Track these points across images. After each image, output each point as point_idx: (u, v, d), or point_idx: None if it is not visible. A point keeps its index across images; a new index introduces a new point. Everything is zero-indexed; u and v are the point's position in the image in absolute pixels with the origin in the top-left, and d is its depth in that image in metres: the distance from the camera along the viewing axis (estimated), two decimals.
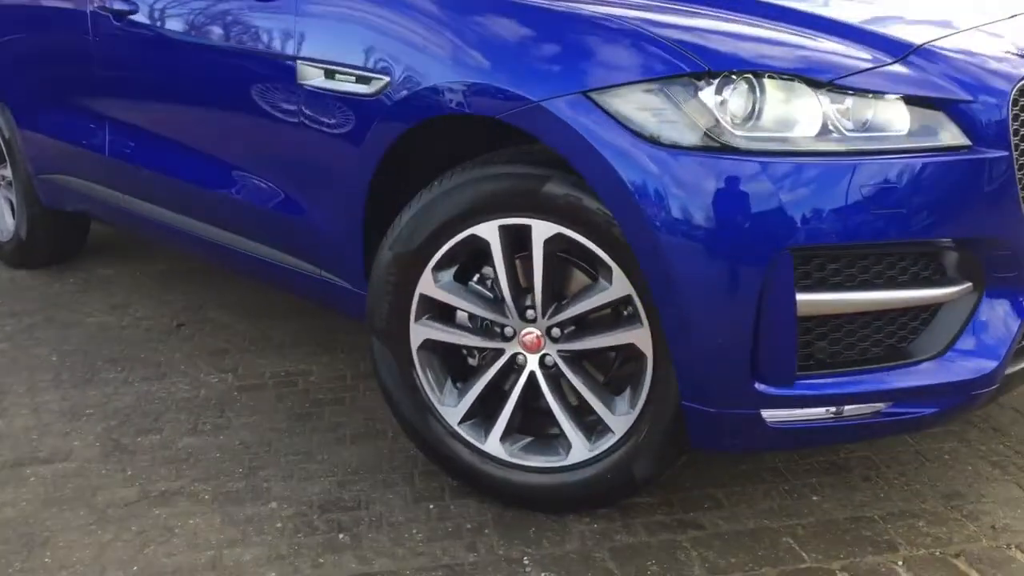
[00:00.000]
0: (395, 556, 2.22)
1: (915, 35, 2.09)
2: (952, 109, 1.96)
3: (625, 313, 2.19)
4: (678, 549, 2.22)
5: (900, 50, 2.02)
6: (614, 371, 2.31)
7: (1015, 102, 2.00)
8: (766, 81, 1.93)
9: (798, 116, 1.92)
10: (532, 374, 2.28)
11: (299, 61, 2.53)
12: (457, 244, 2.23)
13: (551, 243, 2.15)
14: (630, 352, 2.21)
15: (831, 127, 1.92)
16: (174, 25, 3.01)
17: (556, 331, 2.23)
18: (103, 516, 2.39)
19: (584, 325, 2.24)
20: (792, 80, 1.93)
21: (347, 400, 2.95)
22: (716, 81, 1.92)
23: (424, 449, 2.43)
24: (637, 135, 1.94)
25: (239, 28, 2.76)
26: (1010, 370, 2.08)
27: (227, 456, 2.65)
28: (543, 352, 2.26)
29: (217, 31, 2.84)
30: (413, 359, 2.36)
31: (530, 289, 2.23)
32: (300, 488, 2.48)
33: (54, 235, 4.11)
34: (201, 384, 3.09)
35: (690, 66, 1.94)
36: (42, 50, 3.65)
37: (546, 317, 2.23)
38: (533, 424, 2.36)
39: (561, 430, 2.28)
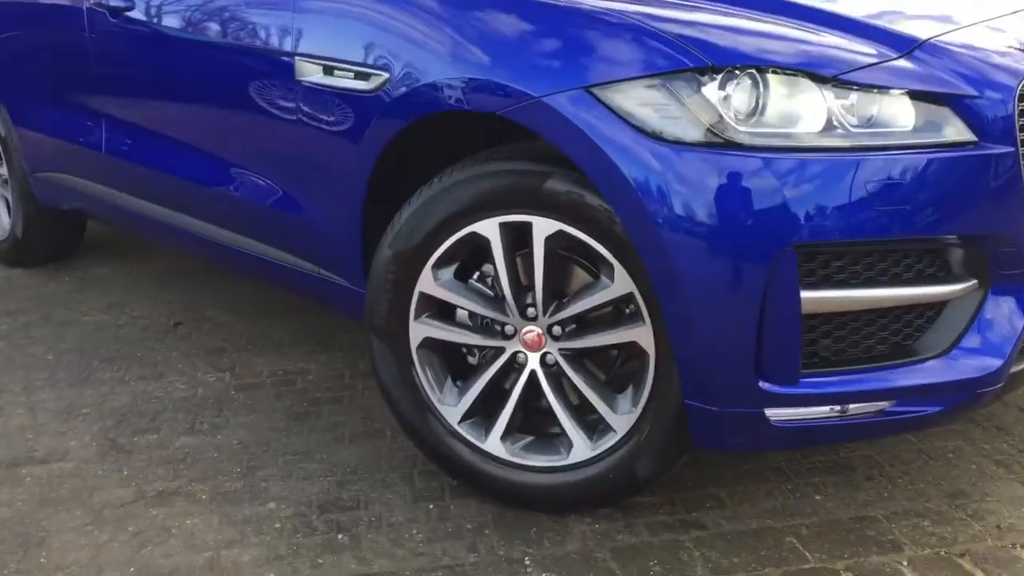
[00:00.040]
0: (395, 557, 2.20)
1: (920, 30, 2.07)
2: (957, 104, 1.94)
3: (627, 311, 2.17)
4: (681, 549, 2.20)
5: (905, 45, 2.00)
6: (616, 369, 2.29)
7: (1021, 97, 1.98)
8: (770, 76, 1.91)
9: (802, 111, 1.90)
10: (533, 373, 2.26)
11: (297, 57, 2.51)
12: (457, 241, 2.21)
13: (552, 240, 2.13)
14: (632, 350, 2.19)
15: (835, 123, 1.90)
16: (171, 21, 2.98)
17: (557, 329, 2.21)
18: (99, 516, 2.37)
19: (585, 323, 2.22)
20: (796, 75, 1.91)
21: (346, 399, 2.93)
22: (719, 76, 1.90)
23: (424, 448, 2.41)
24: (639, 131, 1.92)
25: (237, 24, 2.74)
26: (1015, 368, 2.07)
27: (225, 456, 2.63)
28: (544, 350, 2.24)
29: (214, 27, 2.82)
30: (412, 357, 2.34)
31: (531, 287, 2.21)
32: (299, 488, 2.46)
33: (50, 233, 4.09)
34: (198, 383, 3.06)
35: (693, 61, 1.92)
36: (38, 47, 3.63)
37: (547, 315, 2.21)
38: (534, 423, 2.34)
39: (562, 429, 2.26)
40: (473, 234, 2.19)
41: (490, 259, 2.21)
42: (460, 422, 2.33)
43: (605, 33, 2.04)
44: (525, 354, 2.26)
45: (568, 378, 2.24)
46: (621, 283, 2.09)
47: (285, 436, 2.72)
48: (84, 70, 3.36)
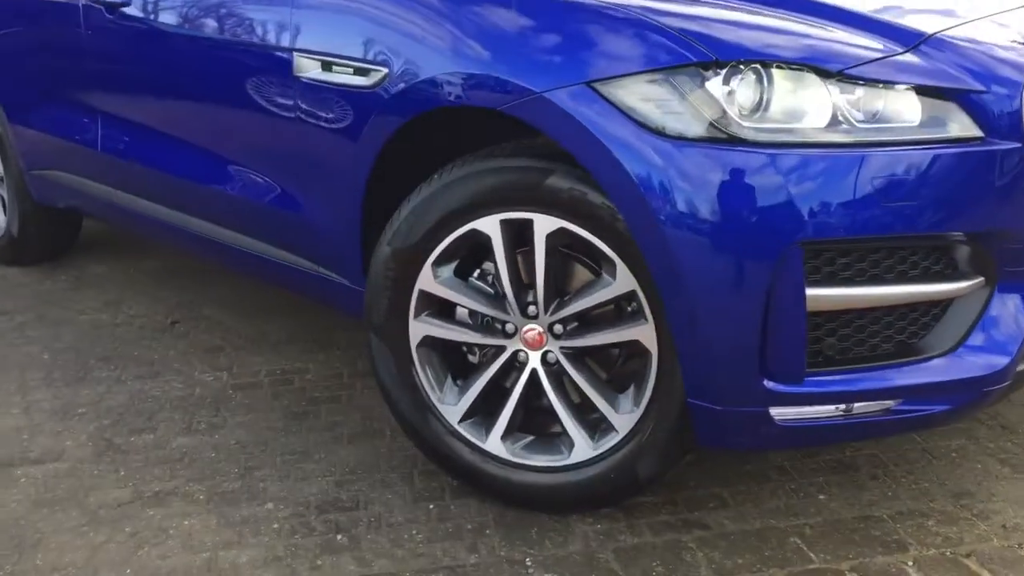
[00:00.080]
0: (394, 557, 2.18)
1: (926, 24, 2.05)
2: (964, 100, 1.92)
3: (629, 309, 2.15)
4: (683, 550, 2.18)
5: (911, 39, 1.98)
6: (617, 368, 2.27)
7: None
8: (774, 71, 1.89)
9: (807, 107, 1.88)
10: (534, 371, 2.24)
11: (296, 53, 2.48)
12: (457, 239, 2.19)
13: (554, 238, 2.11)
14: (634, 349, 2.17)
15: (841, 118, 1.88)
16: (168, 18, 2.96)
17: (558, 327, 2.19)
18: (96, 517, 2.35)
19: (587, 321, 2.19)
20: (801, 70, 1.89)
21: (344, 398, 2.91)
22: (723, 71, 1.88)
23: (423, 448, 2.39)
24: (643, 127, 1.90)
25: (234, 20, 2.71)
26: (1022, 366, 2.05)
27: (222, 456, 2.61)
28: (545, 349, 2.22)
29: (212, 23, 2.79)
30: (412, 356, 2.32)
31: (532, 285, 2.18)
32: (297, 488, 2.44)
33: (46, 232, 4.05)
34: (196, 382, 3.04)
35: (697, 56, 1.89)
36: (33, 43, 3.60)
37: (548, 313, 2.18)
38: (535, 423, 2.32)
39: (563, 428, 2.24)
40: (474, 231, 2.17)
41: (491, 256, 2.19)
42: (460, 421, 2.31)
43: (607, 28, 2.02)
44: (526, 353, 2.23)
45: (569, 377, 2.22)
46: (623, 281, 2.07)
47: (283, 436, 2.70)
48: (80, 66, 3.33)
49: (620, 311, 2.18)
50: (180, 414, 2.84)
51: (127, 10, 3.05)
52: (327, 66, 2.41)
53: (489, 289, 2.27)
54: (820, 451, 2.52)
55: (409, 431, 2.38)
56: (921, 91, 1.91)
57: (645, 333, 2.09)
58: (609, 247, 2.05)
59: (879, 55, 1.94)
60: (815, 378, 1.95)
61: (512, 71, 2.07)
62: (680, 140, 1.88)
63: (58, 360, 3.22)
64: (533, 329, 2.21)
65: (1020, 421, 2.65)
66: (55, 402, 2.93)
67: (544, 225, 2.10)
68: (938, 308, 2.01)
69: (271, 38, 2.56)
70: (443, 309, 2.30)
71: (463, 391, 2.31)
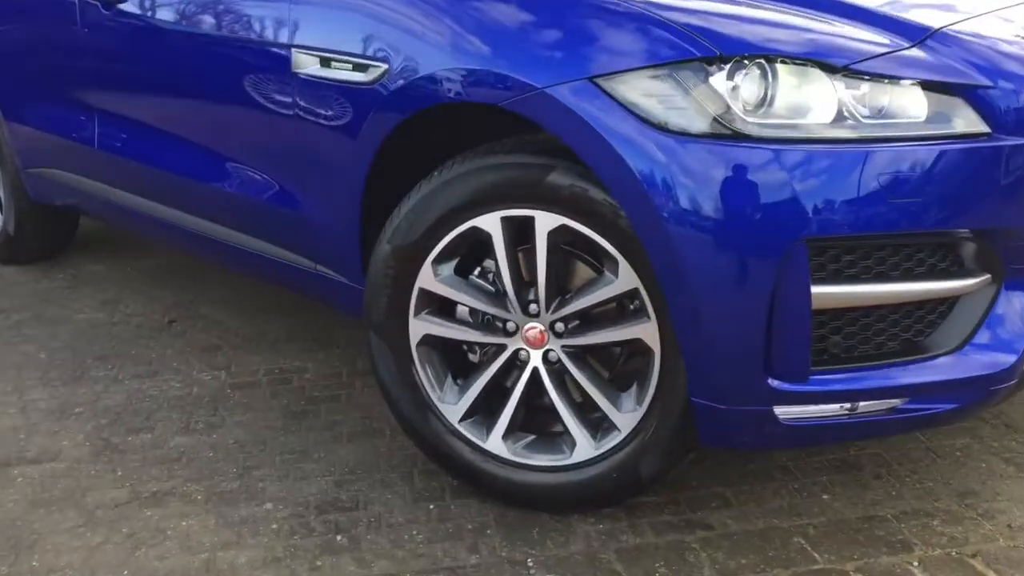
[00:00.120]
0: (395, 558, 2.15)
1: (931, 19, 2.03)
2: (970, 95, 1.90)
3: (631, 307, 2.13)
4: (686, 550, 2.16)
5: (917, 34, 1.96)
6: (619, 367, 2.25)
7: None
8: (779, 66, 1.86)
9: (812, 102, 1.86)
10: (535, 370, 2.22)
11: (294, 49, 2.46)
12: (458, 236, 2.17)
13: (555, 235, 2.09)
14: (636, 347, 2.15)
15: (846, 113, 1.85)
16: (165, 14, 2.93)
17: (560, 326, 2.17)
18: (92, 518, 2.32)
19: (589, 320, 2.18)
20: (806, 65, 1.87)
21: (343, 397, 2.89)
22: (727, 66, 1.86)
23: (424, 448, 2.37)
24: (646, 122, 1.88)
25: (232, 16, 2.69)
26: None
27: (221, 455, 2.58)
28: (547, 347, 2.20)
29: (209, 19, 2.77)
30: (412, 355, 2.30)
31: (533, 283, 2.16)
32: (296, 488, 2.42)
33: (42, 230, 4.03)
34: (193, 382, 3.02)
35: (700, 50, 1.87)
36: (29, 40, 3.57)
37: (550, 311, 2.16)
38: (536, 422, 2.29)
39: (565, 428, 2.22)
40: (474, 229, 2.15)
41: (491, 254, 2.17)
42: (461, 421, 2.29)
43: (609, 22, 1.99)
44: (527, 351, 2.22)
45: (571, 375, 2.20)
46: (626, 278, 2.05)
47: (282, 435, 2.68)
48: (76, 64, 3.31)
49: (622, 309, 2.16)
50: (178, 413, 2.82)
51: (123, 6, 3.02)
52: (326, 62, 2.39)
53: (490, 287, 2.25)
54: (823, 450, 2.50)
55: (409, 430, 2.36)
56: (927, 86, 1.89)
57: (648, 331, 2.07)
58: (611, 244, 2.03)
59: (885, 50, 1.91)
60: (820, 376, 1.93)
61: (513, 67, 2.05)
62: (683, 136, 1.86)
63: (55, 359, 3.20)
64: (534, 327, 2.19)
65: None
66: (52, 401, 2.91)
67: (545, 222, 2.08)
68: (944, 306, 1.99)
69: (269, 34, 2.54)
70: (443, 307, 2.28)
71: (464, 390, 2.29)
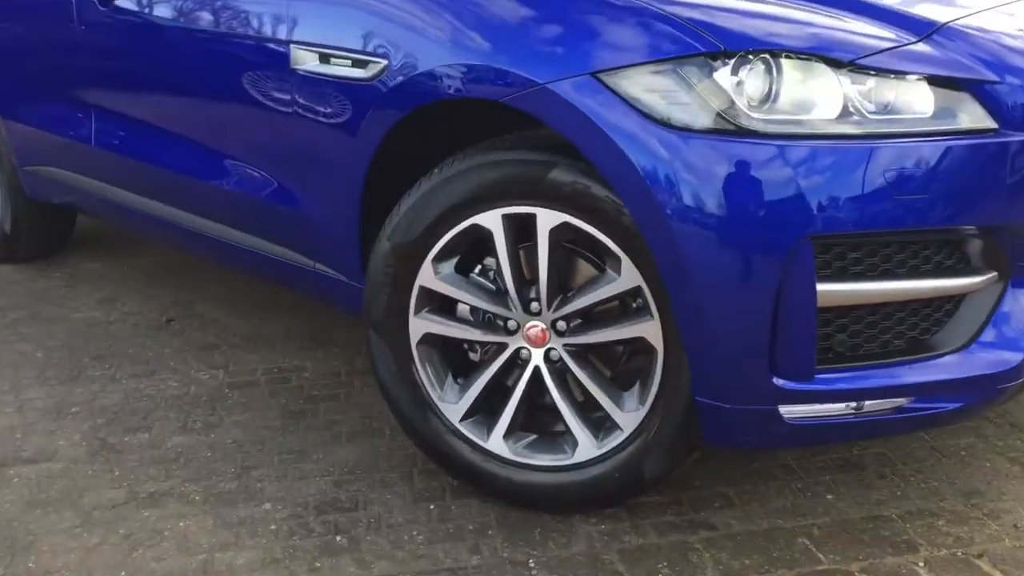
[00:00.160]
0: (395, 559, 2.13)
1: (937, 13, 2.01)
2: (977, 90, 1.88)
3: (634, 305, 2.11)
4: (690, 551, 2.14)
5: (923, 29, 1.94)
6: (622, 366, 2.23)
7: None
8: (784, 61, 1.84)
9: (817, 98, 1.84)
10: (537, 369, 2.20)
11: (292, 45, 2.43)
12: (458, 234, 2.15)
13: (557, 232, 2.07)
14: (638, 346, 2.13)
15: (852, 109, 1.83)
16: (162, 10, 2.90)
17: (562, 324, 2.15)
18: (89, 519, 2.30)
19: (591, 318, 2.15)
20: (811, 60, 1.85)
21: (342, 397, 2.86)
22: (732, 61, 1.84)
23: (424, 447, 2.34)
24: (649, 118, 1.86)
25: (230, 12, 2.66)
26: None
27: (218, 455, 2.56)
28: (548, 346, 2.18)
29: (207, 16, 2.74)
30: (412, 354, 2.28)
31: (535, 281, 2.14)
32: (295, 488, 2.40)
33: (39, 229, 4.00)
34: (191, 381, 2.99)
35: (705, 45, 1.85)
36: (25, 37, 3.54)
37: (551, 310, 2.14)
38: (537, 421, 2.27)
39: (567, 427, 2.20)
40: (475, 226, 2.12)
41: (492, 252, 2.14)
42: (461, 420, 2.27)
43: (612, 17, 1.97)
44: (528, 350, 2.19)
45: (573, 374, 2.17)
46: (628, 276, 2.03)
47: (280, 435, 2.65)
48: (73, 61, 3.28)
49: (625, 307, 2.14)
50: (175, 413, 2.79)
51: (120, 3, 2.99)
52: (324, 58, 2.36)
53: (491, 285, 2.23)
54: (826, 449, 2.48)
55: (409, 430, 2.34)
56: (934, 81, 1.86)
57: (650, 329, 2.05)
58: (614, 242, 2.01)
59: (891, 45, 1.89)
60: (825, 375, 1.91)
61: (514, 62, 2.02)
62: (687, 132, 1.84)
63: (51, 358, 3.17)
64: (536, 326, 2.16)
65: None
66: (48, 401, 2.88)
67: (547, 220, 2.06)
68: (950, 304, 1.97)
69: (267, 30, 2.51)
70: (444, 306, 2.26)
71: (464, 389, 2.27)
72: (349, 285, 2.50)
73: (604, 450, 2.17)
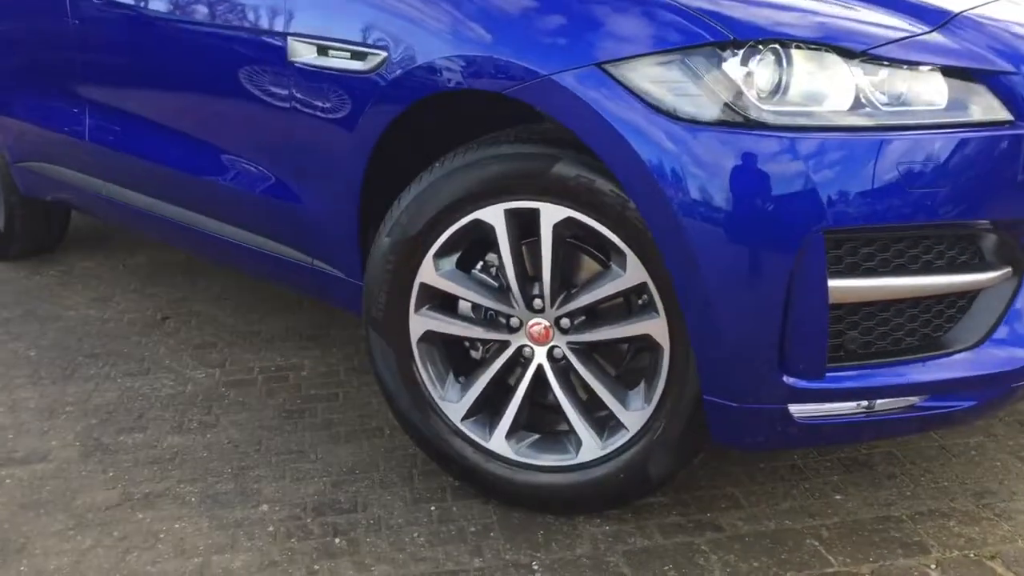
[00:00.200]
0: (395, 562, 2.09)
1: (952, 3, 1.97)
2: (992, 81, 1.84)
3: (639, 302, 2.07)
4: (696, 552, 2.09)
5: (937, 18, 1.90)
6: (627, 364, 2.18)
7: None
8: (794, 51, 1.80)
9: (829, 89, 1.79)
10: (540, 367, 2.16)
11: (290, 37, 2.39)
12: (460, 229, 2.11)
13: (560, 228, 2.02)
14: (644, 343, 2.09)
15: (864, 100, 1.79)
16: (157, 4, 2.86)
17: (565, 321, 2.10)
18: (83, 521, 2.25)
19: (595, 315, 2.11)
20: (822, 50, 1.80)
21: (341, 396, 2.82)
22: (741, 51, 1.79)
23: (424, 447, 2.30)
24: (656, 110, 1.81)
25: (226, 5, 2.61)
26: None
27: (215, 455, 2.52)
28: (551, 344, 2.14)
29: (203, 8, 2.70)
30: (412, 352, 2.23)
31: (538, 277, 2.10)
32: (293, 489, 2.35)
33: (33, 226, 3.96)
34: (187, 380, 2.95)
35: (713, 35, 1.80)
36: (18, 32, 3.50)
37: (555, 307, 2.10)
38: (540, 420, 2.24)
39: (571, 427, 2.16)
40: (477, 221, 2.08)
41: (495, 248, 2.10)
42: (463, 419, 2.23)
43: (616, 6, 1.92)
44: (531, 348, 2.15)
45: (577, 373, 2.14)
46: (633, 272, 1.99)
47: (278, 435, 2.61)
48: (67, 55, 3.24)
49: (630, 304, 2.10)
50: (171, 412, 2.75)
51: None
52: (323, 50, 2.32)
53: (493, 282, 2.19)
54: (834, 449, 2.44)
55: (409, 429, 2.30)
56: (948, 72, 1.82)
57: (656, 327, 2.01)
58: (619, 237, 1.97)
59: (904, 35, 1.85)
60: (836, 373, 1.86)
61: (516, 53, 1.98)
62: (695, 124, 1.79)
63: (44, 357, 3.13)
64: (539, 323, 2.12)
65: None
66: (41, 400, 2.84)
67: (551, 215, 2.01)
68: (964, 300, 1.93)
69: (264, 22, 2.47)
70: (445, 303, 2.22)
71: (466, 388, 2.23)
72: (348, 282, 2.46)
73: (609, 450, 2.13)
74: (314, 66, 2.33)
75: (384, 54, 2.18)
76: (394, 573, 2.06)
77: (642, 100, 1.82)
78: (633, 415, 2.09)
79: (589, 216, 1.98)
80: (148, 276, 3.83)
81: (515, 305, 2.13)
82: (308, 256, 2.58)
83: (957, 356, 1.91)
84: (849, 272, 1.82)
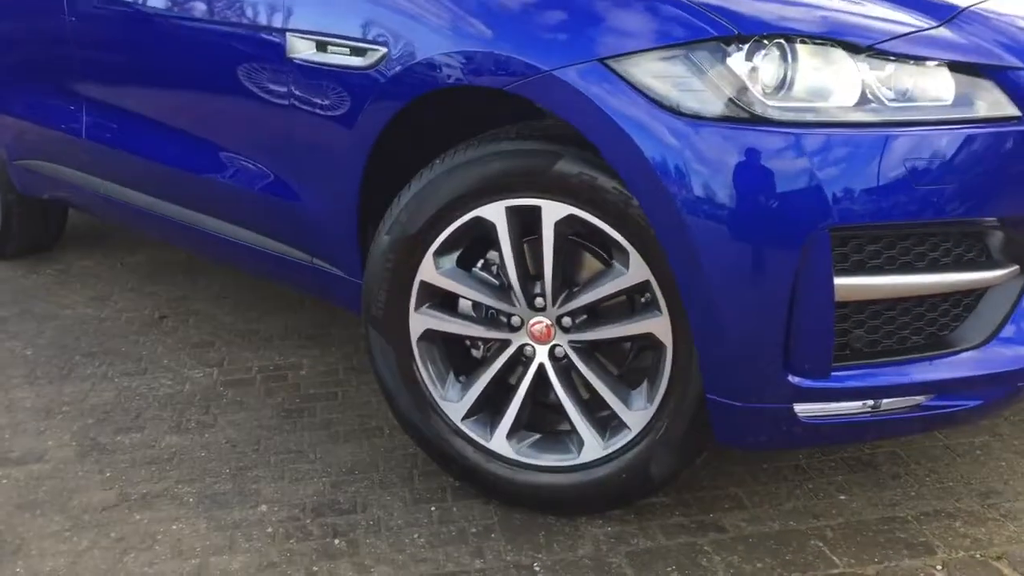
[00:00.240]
0: (395, 563, 2.07)
1: None
2: (1000, 77, 1.81)
3: (642, 300, 2.05)
4: (699, 553, 2.07)
5: (944, 13, 1.88)
6: (629, 363, 2.16)
7: None
8: (799, 46, 1.77)
9: (835, 84, 1.77)
10: (541, 366, 2.13)
11: (289, 33, 2.37)
12: (461, 227, 2.08)
13: (562, 225, 2.00)
14: (647, 342, 2.07)
15: (870, 96, 1.77)
16: (154, 1, 2.84)
17: (567, 320, 2.08)
18: (79, 522, 2.23)
19: (597, 314, 2.09)
20: (828, 45, 1.78)
21: (340, 395, 2.80)
22: (746, 46, 1.77)
23: (424, 447, 2.28)
24: (660, 105, 1.79)
25: (224, 1, 2.59)
26: None
27: (213, 455, 2.49)
28: (553, 343, 2.11)
29: (200, 5, 2.68)
30: (413, 351, 2.21)
31: (539, 275, 2.08)
32: (292, 490, 2.33)
33: (30, 224, 3.94)
34: (185, 379, 2.93)
35: (717, 30, 1.78)
36: (15, 29, 3.48)
37: (556, 305, 2.08)
38: (542, 420, 2.21)
39: (572, 426, 2.14)
40: (478, 219, 2.06)
41: (496, 246, 2.08)
42: (463, 419, 2.21)
43: (619, 1, 1.90)
44: (533, 347, 2.13)
45: (579, 372, 2.11)
46: (636, 270, 1.97)
47: (277, 434, 2.59)
48: (64, 52, 3.21)
49: (632, 303, 2.08)
50: (168, 412, 2.73)
51: None
52: (322, 46, 2.30)
53: (494, 280, 2.17)
54: (838, 449, 2.42)
55: (409, 429, 2.28)
56: (954, 67, 1.80)
57: (659, 326, 1.99)
58: (621, 235, 1.95)
59: (910, 29, 1.83)
60: (842, 372, 1.84)
61: (518, 49, 1.95)
62: (699, 120, 1.77)
63: (41, 356, 3.11)
64: (540, 322, 2.10)
65: None
66: (37, 400, 2.82)
67: (552, 212, 1.99)
68: (970, 298, 1.90)
69: (262, 18, 2.45)
70: (445, 301, 2.19)
71: (466, 387, 2.20)
72: (347, 281, 2.44)
73: (611, 450, 2.11)
74: (313, 62, 2.31)
75: (384, 50, 2.16)
76: (394, 574, 2.04)
77: (645, 96, 1.80)
78: (635, 415, 2.07)
79: (591, 213, 1.96)
80: (146, 275, 3.81)
81: (516, 303, 2.11)
82: (308, 254, 2.56)
83: (964, 355, 1.89)
84: (855, 270, 1.80)
